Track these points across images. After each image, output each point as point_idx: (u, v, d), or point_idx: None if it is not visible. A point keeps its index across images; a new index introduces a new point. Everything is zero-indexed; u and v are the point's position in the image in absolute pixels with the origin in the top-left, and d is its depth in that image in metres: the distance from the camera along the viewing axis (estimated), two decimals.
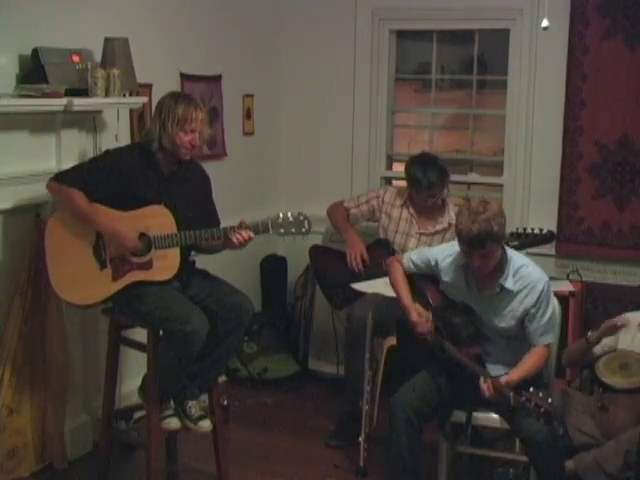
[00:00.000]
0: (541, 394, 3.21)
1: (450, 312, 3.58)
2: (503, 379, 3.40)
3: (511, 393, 3.24)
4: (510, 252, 3.58)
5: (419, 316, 3.61)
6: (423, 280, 3.74)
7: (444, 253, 3.68)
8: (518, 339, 3.58)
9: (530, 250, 4.42)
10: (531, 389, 3.24)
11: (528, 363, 3.51)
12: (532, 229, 4.46)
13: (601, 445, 3.71)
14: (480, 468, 4.07)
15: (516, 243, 4.27)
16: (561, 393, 3.97)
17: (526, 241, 4.38)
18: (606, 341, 3.89)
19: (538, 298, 3.49)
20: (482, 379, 3.39)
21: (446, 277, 3.65)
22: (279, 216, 3.65)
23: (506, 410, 3.43)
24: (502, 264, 3.51)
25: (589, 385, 4.12)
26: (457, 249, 3.59)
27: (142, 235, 3.61)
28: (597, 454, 3.67)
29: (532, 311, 3.50)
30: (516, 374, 3.44)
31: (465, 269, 3.58)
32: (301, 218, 3.66)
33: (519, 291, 3.50)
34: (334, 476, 4.13)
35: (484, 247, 3.37)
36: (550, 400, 3.20)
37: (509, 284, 3.50)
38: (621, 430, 3.70)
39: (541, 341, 3.54)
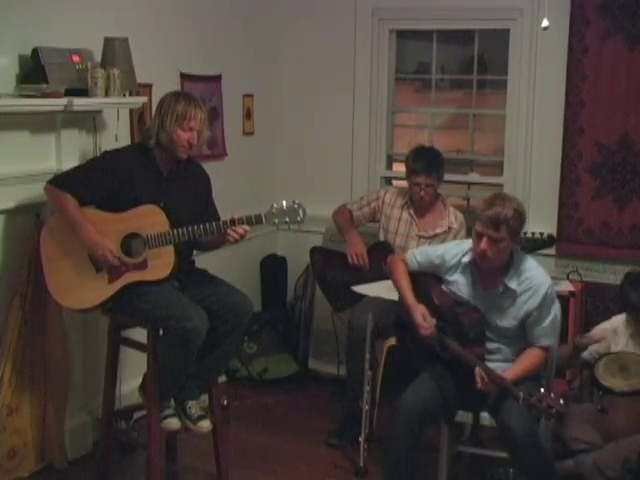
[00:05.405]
0: (552, 395, 3.19)
1: (457, 311, 3.56)
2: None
3: (521, 393, 3.23)
4: (518, 254, 3.58)
5: (423, 319, 3.57)
6: (427, 279, 3.72)
7: (450, 251, 3.68)
8: (520, 339, 3.58)
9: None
10: (542, 390, 3.23)
11: (524, 364, 3.51)
12: (532, 233, 4.45)
13: (600, 448, 3.71)
14: (480, 468, 4.07)
15: None
16: None
17: (526, 245, 4.35)
18: (594, 347, 3.90)
19: (541, 301, 3.49)
20: (477, 369, 3.38)
21: (451, 275, 3.65)
22: (272, 206, 3.62)
23: (492, 406, 3.44)
24: (508, 264, 3.52)
25: (589, 386, 4.13)
26: (464, 247, 3.62)
27: (134, 235, 3.60)
28: (597, 458, 3.68)
29: (535, 313, 3.50)
30: (511, 373, 3.44)
31: (471, 267, 3.58)
32: (295, 206, 3.62)
33: (522, 292, 3.51)
34: (334, 476, 4.13)
35: (497, 230, 3.38)
36: (562, 401, 3.19)
37: (513, 284, 3.50)
38: (620, 433, 3.71)
39: (541, 342, 3.54)
